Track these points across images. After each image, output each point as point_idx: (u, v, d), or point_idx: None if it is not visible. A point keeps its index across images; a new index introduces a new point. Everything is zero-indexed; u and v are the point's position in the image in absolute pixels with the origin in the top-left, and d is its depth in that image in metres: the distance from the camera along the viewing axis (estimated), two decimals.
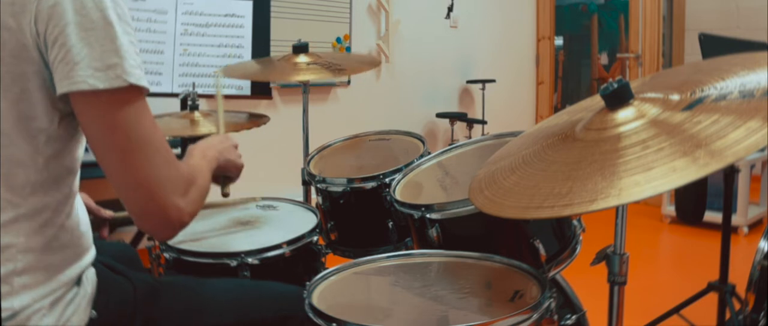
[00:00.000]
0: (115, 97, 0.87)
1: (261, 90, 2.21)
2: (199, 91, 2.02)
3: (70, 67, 0.84)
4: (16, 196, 0.89)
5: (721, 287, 2.01)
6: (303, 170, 1.84)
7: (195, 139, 1.28)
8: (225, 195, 1.35)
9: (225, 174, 1.29)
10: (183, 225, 0.96)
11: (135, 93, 0.89)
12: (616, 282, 1.10)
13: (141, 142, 0.89)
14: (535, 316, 0.98)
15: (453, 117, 4.64)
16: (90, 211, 1.34)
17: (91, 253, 1.02)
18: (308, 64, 1.92)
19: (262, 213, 1.66)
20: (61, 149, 0.92)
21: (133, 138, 0.89)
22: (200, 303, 1.14)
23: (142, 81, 0.89)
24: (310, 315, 1.03)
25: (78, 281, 0.97)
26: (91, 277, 0.99)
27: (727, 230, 2.05)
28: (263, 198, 1.74)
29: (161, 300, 1.09)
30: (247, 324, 1.14)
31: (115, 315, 1.01)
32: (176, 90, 2.04)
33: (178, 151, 2.68)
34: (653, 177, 0.79)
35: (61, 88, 0.85)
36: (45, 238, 0.92)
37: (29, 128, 0.88)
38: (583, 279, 1.60)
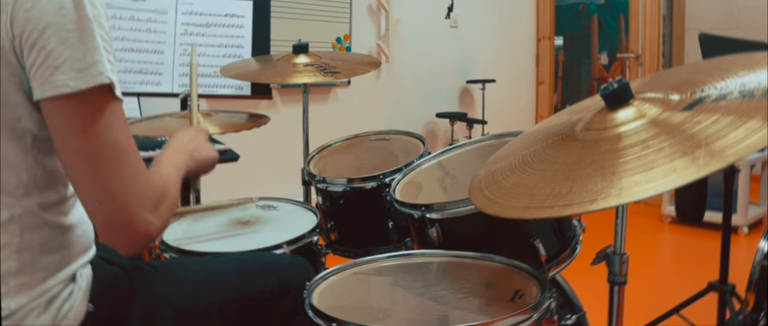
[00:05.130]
0: (90, 100, 0.84)
1: (261, 90, 2.20)
2: (200, 90, 2.02)
3: (50, 72, 0.82)
4: (8, 197, 0.88)
5: (721, 287, 2.01)
6: (303, 170, 1.84)
7: None
8: (195, 190, 1.28)
9: (199, 173, 1.23)
10: (150, 240, 0.92)
11: (109, 96, 0.86)
12: (616, 282, 1.10)
13: (113, 149, 0.86)
14: (535, 316, 0.98)
15: (453, 117, 4.64)
16: None
17: (90, 252, 1.01)
18: (307, 65, 1.92)
19: (262, 213, 1.66)
20: (51, 149, 0.91)
21: (105, 145, 0.85)
22: (200, 282, 1.13)
23: (116, 83, 0.86)
24: (310, 315, 1.02)
25: (73, 277, 0.96)
26: (86, 272, 0.98)
27: (727, 230, 2.05)
28: (263, 198, 1.74)
29: (160, 284, 1.08)
30: (249, 298, 1.13)
31: (113, 305, 1.01)
32: (176, 90, 2.03)
33: None
34: (653, 177, 0.79)
35: (42, 93, 0.83)
36: (41, 238, 0.91)
37: (14, 129, 0.87)
38: (583, 279, 1.60)
